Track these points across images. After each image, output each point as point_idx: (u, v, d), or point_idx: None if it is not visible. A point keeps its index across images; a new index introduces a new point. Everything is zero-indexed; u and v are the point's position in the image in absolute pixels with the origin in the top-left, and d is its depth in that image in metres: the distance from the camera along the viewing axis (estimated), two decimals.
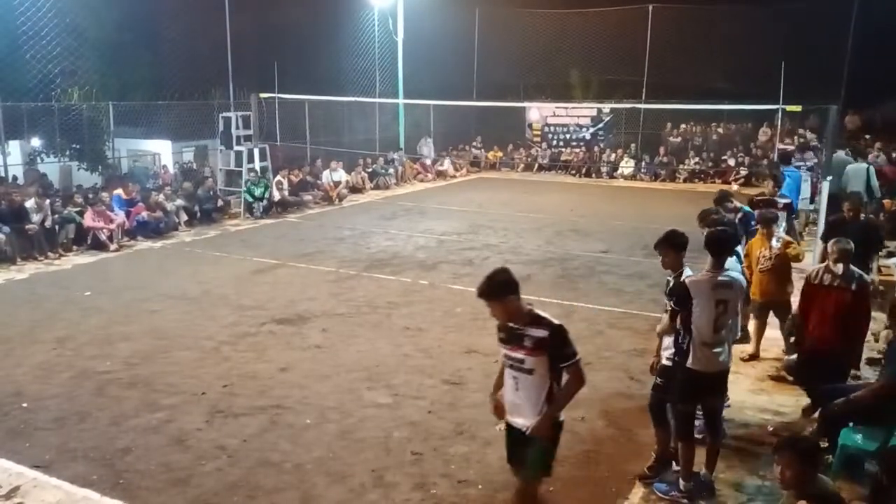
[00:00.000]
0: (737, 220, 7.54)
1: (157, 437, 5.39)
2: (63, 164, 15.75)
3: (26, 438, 5.37)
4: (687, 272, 4.57)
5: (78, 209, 12.12)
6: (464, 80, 24.46)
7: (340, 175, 17.63)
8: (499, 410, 3.90)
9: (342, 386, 6.35)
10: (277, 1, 20.93)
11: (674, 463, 4.77)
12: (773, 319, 6.94)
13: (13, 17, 13.95)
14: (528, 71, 24.35)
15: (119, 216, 12.28)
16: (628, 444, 5.34)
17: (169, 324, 8.02)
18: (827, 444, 4.86)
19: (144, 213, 12.88)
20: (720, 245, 4.64)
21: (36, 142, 15.45)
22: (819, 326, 5.44)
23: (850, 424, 4.83)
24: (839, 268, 5.37)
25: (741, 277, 4.91)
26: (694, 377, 4.48)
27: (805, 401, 5.69)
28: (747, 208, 7.98)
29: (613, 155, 22.59)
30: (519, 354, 3.64)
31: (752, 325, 7.00)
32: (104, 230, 11.86)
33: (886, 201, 12.25)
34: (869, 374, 6.04)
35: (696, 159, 21.52)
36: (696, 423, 4.83)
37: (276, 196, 15.34)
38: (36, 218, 11.28)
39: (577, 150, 23.58)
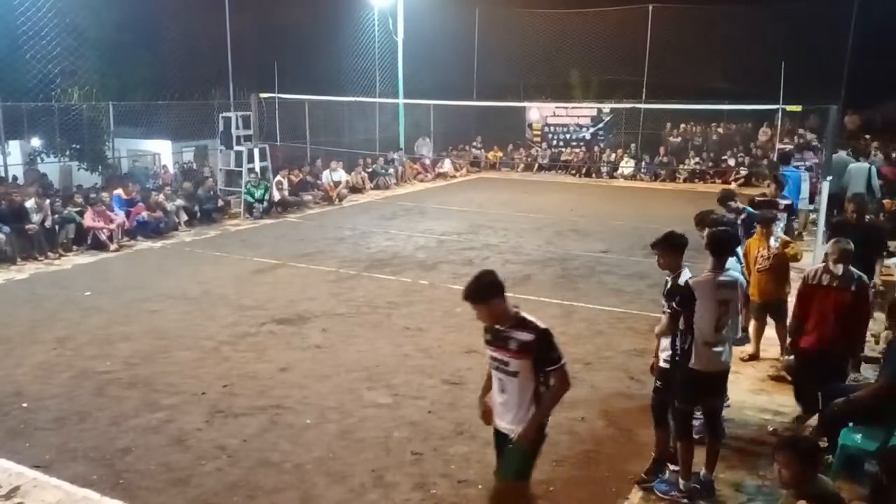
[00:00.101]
0: (739, 221, 7.54)
1: (157, 437, 5.39)
2: (63, 164, 15.75)
3: (26, 438, 5.37)
4: (686, 273, 4.57)
5: (78, 209, 12.12)
6: (464, 80, 24.45)
7: (340, 175, 17.63)
8: (486, 415, 3.89)
9: (342, 386, 6.35)
10: (277, 1, 20.93)
11: (670, 464, 4.77)
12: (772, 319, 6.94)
13: (13, 17, 13.94)
14: (528, 71, 24.34)
15: (119, 216, 12.28)
16: (628, 444, 5.34)
17: (169, 324, 8.03)
18: (827, 444, 4.86)
19: (144, 213, 12.88)
20: (722, 245, 4.64)
21: (36, 142, 15.45)
22: (817, 328, 5.36)
23: (850, 424, 4.83)
24: (839, 268, 5.31)
25: (742, 277, 4.93)
26: (696, 377, 4.48)
27: None
28: (751, 209, 7.96)
29: (613, 155, 22.58)
30: (504, 357, 3.61)
31: (751, 326, 7.00)
32: (104, 230, 11.87)
33: (886, 201, 12.24)
34: (869, 374, 6.04)
35: (697, 159, 21.52)
36: (696, 423, 4.83)
37: (276, 196, 15.34)
38: (36, 218, 11.29)
39: (577, 150, 23.57)
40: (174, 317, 8.28)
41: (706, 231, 5.40)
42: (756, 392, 6.25)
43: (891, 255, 9.32)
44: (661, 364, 4.69)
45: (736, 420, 5.63)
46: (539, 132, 24.63)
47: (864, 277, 5.41)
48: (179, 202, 13.87)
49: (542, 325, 3.59)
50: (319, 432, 5.48)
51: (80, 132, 15.54)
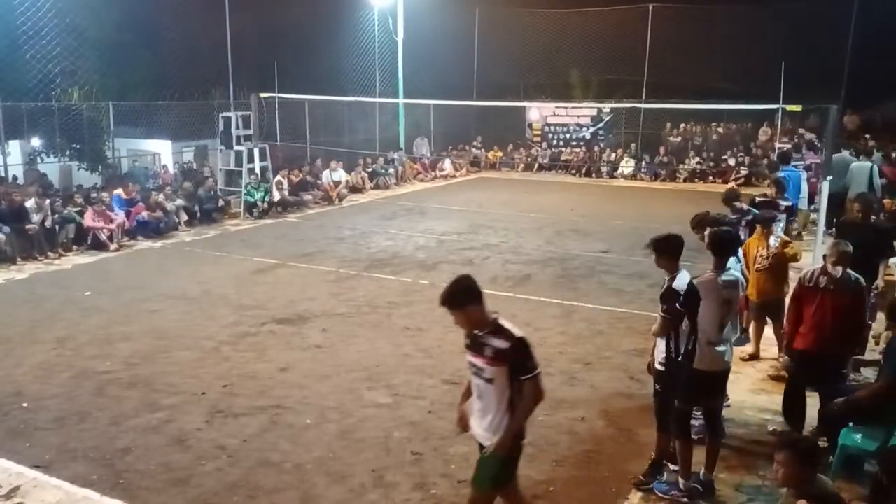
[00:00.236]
0: (744, 222, 7.52)
1: (157, 437, 5.40)
2: (63, 164, 15.75)
3: (26, 438, 5.37)
4: (683, 274, 4.53)
5: (78, 209, 12.12)
6: (464, 80, 24.46)
7: (340, 175, 17.63)
8: (462, 422, 3.88)
9: (342, 386, 6.35)
10: (277, 1, 20.93)
11: (670, 464, 4.77)
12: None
13: (13, 17, 13.95)
14: (528, 71, 24.33)
15: (119, 216, 12.28)
16: (628, 444, 5.34)
17: (169, 324, 8.03)
18: (827, 444, 4.85)
19: (144, 213, 12.88)
20: (724, 245, 4.64)
21: (36, 142, 15.46)
22: (812, 330, 5.26)
23: (850, 424, 4.82)
24: (838, 271, 5.23)
25: (742, 277, 4.93)
26: (698, 377, 4.48)
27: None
28: (756, 211, 7.93)
29: (613, 155, 22.59)
30: (479, 363, 3.58)
31: (751, 326, 7.01)
32: (104, 230, 11.87)
33: (887, 201, 12.23)
34: (869, 375, 6.03)
35: (697, 159, 21.52)
36: (695, 423, 4.83)
37: (276, 196, 15.35)
38: (36, 218, 11.28)
39: (577, 149, 23.58)
40: (174, 317, 8.28)
41: (707, 231, 5.38)
42: (756, 392, 6.25)
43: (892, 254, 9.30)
44: (657, 366, 4.59)
45: (736, 420, 5.63)
46: (539, 132, 24.63)
47: (862, 280, 5.32)
48: (179, 202, 13.87)
49: (518, 332, 3.54)
50: (319, 432, 5.48)
51: (80, 132, 15.54)
